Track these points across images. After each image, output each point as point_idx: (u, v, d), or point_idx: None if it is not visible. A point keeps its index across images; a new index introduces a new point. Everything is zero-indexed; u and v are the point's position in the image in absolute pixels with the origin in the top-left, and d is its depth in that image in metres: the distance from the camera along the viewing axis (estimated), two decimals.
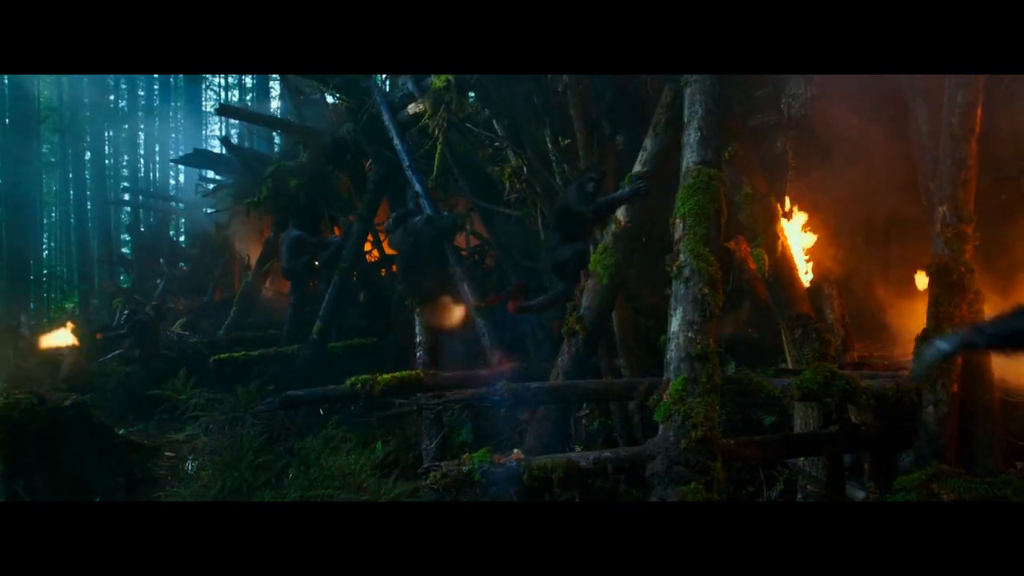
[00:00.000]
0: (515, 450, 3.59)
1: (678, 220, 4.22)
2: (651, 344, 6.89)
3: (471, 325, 7.32)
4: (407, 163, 7.94)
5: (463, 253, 8.59)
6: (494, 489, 3.55)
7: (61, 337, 12.70)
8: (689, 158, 4.43)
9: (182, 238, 19.73)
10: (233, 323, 11.89)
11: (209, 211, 14.40)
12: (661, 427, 3.71)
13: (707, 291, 3.90)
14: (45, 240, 31.54)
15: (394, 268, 10.36)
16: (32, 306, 19.53)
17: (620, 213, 5.60)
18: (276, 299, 13.26)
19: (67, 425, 8.39)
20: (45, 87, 25.97)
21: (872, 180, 6.25)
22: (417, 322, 7.69)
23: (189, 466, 9.21)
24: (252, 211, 10.48)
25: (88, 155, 27.99)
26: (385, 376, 5.77)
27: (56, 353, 12.95)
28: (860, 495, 4.84)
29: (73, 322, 12.95)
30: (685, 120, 4.64)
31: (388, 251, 11.12)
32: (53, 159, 28.42)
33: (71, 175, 27.96)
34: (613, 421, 6.71)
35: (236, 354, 9.23)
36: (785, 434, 4.85)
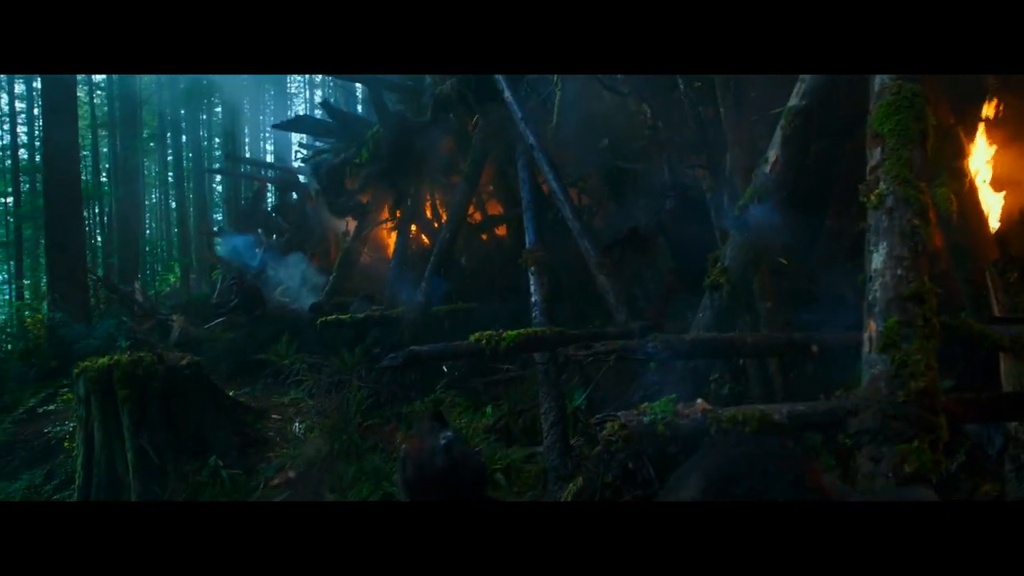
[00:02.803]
0: (699, 400, 3.17)
1: (874, 143, 3.64)
2: (791, 303, 6.33)
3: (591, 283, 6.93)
4: (519, 116, 7.54)
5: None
6: (674, 447, 3.16)
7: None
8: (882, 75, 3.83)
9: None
10: (333, 289, 11.91)
11: (305, 179, 14.54)
12: (866, 378, 3.20)
13: (917, 222, 3.34)
14: (147, 218, 33.16)
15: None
16: (139, 277, 20.48)
17: (773, 151, 5.05)
18: (374, 264, 13.24)
19: (184, 384, 8.53)
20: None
21: None
22: (532, 281, 7.34)
23: (297, 428, 9.28)
24: (353, 174, 10.35)
25: (184, 134, 29.06)
26: (511, 332, 5.47)
27: (166, 319, 13.42)
28: None
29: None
30: None
31: (492, 212, 10.86)
32: (152, 143, 29.70)
33: (170, 153, 29.13)
34: (749, 385, 6.17)
35: (342, 316, 9.15)
36: (1013, 392, 4.14)
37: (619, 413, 3.10)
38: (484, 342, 5.41)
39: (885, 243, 3.36)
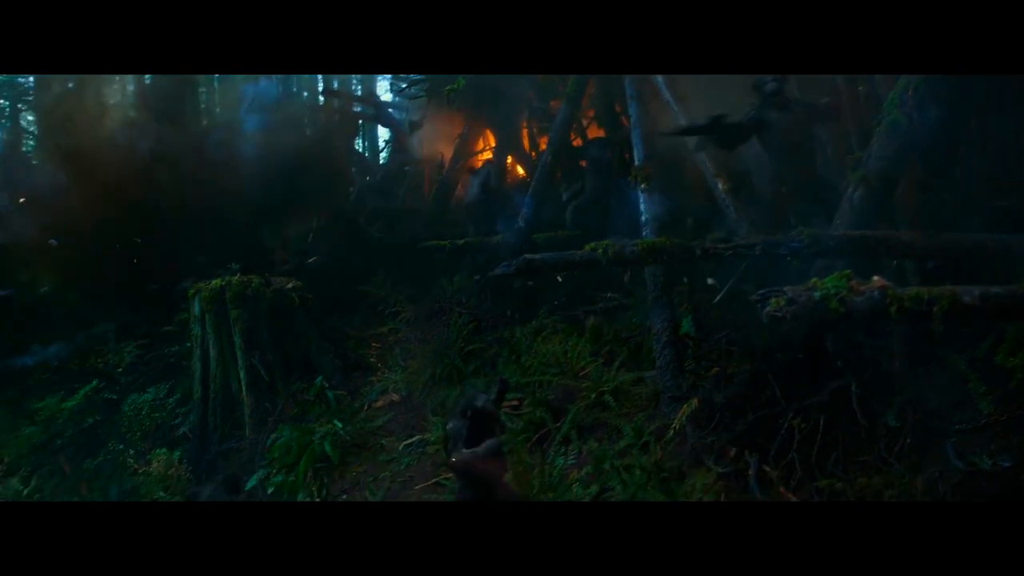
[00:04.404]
0: (875, 277, 2.77)
1: None
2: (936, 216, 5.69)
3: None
4: None
5: None
6: (845, 325, 2.78)
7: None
8: None
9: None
10: (430, 222, 11.84)
11: (397, 113, 14.45)
12: None
13: None
14: None
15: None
16: None
17: None
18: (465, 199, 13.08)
19: (291, 307, 8.70)
20: None
21: None
22: (642, 200, 6.92)
23: (398, 353, 9.33)
24: (452, 102, 10.05)
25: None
26: (638, 240, 5.15)
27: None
28: None
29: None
30: None
31: (592, 135, 10.40)
32: None
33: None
34: None
35: (442, 242, 9.05)
36: None
37: (785, 288, 2.74)
38: (600, 251, 5.10)
39: None
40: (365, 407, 8.30)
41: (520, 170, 11.98)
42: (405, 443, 7.35)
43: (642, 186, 6.95)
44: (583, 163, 10.20)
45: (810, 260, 4.22)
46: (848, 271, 2.76)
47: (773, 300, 2.70)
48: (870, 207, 4.91)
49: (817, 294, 2.67)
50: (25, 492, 7.73)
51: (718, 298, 4.59)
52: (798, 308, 2.66)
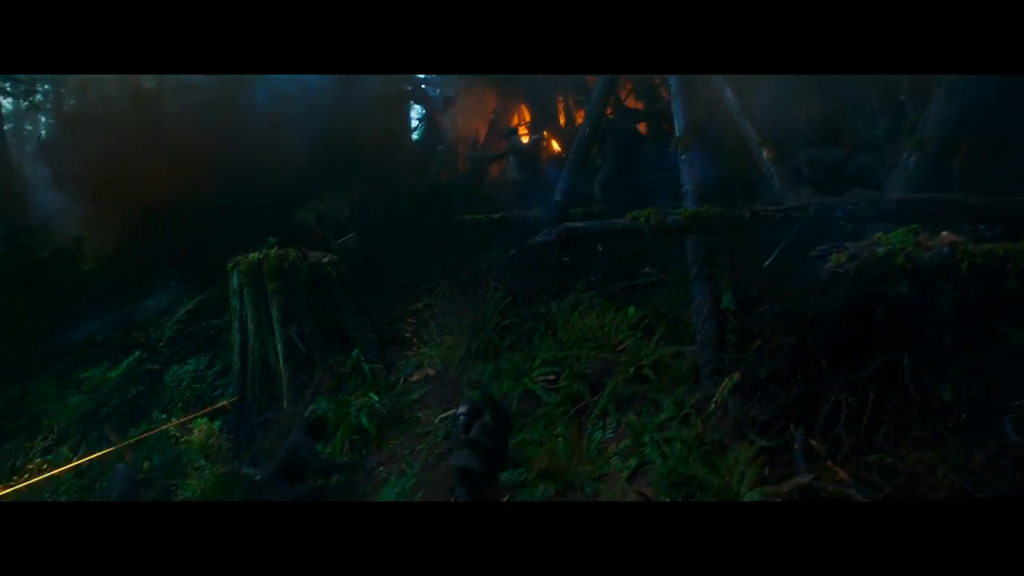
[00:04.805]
0: (944, 233, 2.63)
1: None
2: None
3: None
4: None
5: None
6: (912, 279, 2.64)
7: None
8: None
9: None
10: (465, 199, 11.75)
11: (430, 89, 14.33)
12: None
13: None
14: None
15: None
16: None
17: None
18: (502, 176, 12.95)
19: (327, 281, 8.73)
20: None
21: None
22: (682, 170, 6.76)
23: (433, 328, 9.32)
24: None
25: None
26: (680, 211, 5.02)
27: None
28: None
29: None
30: None
31: (632, 105, 10.19)
32: None
33: None
34: None
35: (477, 216, 8.98)
36: None
37: (846, 244, 2.61)
38: (643, 219, 4.99)
39: None
40: (401, 381, 8.31)
41: (555, 145, 11.81)
42: (441, 416, 7.35)
43: (683, 156, 6.80)
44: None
45: (864, 224, 4.05)
46: (915, 225, 2.62)
47: (834, 256, 2.58)
48: (926, 173, 4.69)
49: (881, 249, 2.54)
50: (74, 460, 7.95)
51: (768, 262, 4.43)
52: (861, 264, 2.53)
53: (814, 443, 4.79)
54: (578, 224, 5.10)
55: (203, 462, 6.88)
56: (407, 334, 9.53)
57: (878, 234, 2.66)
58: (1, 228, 12.25)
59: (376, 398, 7.59)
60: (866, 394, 4.90)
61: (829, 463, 4.62)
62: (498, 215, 8.86)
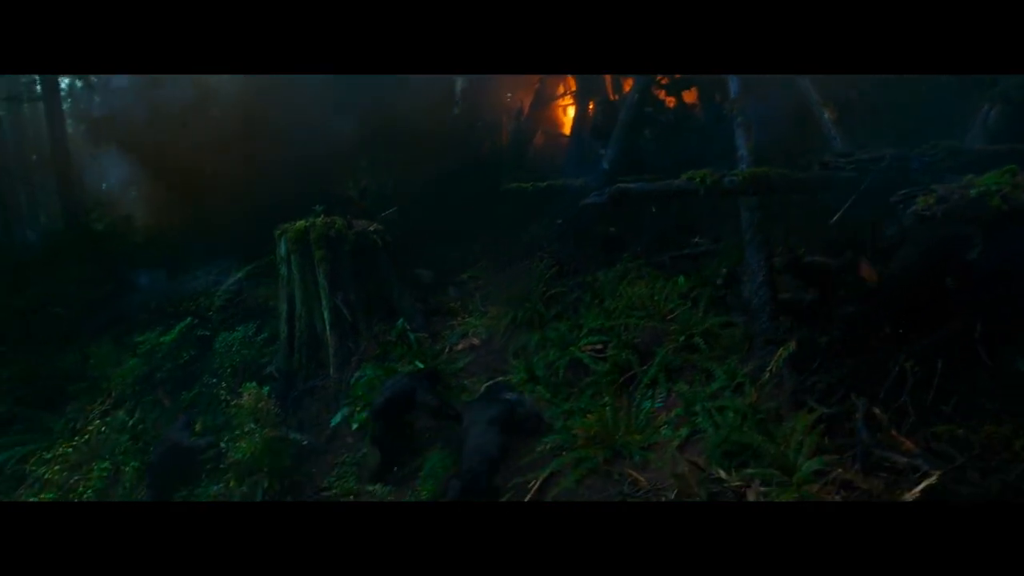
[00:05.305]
0: None
1: None
2: None
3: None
4: None
5: None
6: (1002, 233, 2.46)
7: None
8: None
9: None
10: (507, 171, 11.61)
11: None
12: None
13: None
14: None
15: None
16: None
17: None
18: (547, 147, 12.78)
19: (373, 249, 8.72)
20: None
21: None
22: (737, 134, 6.52)
23: (478, 299, 9.27)
24: None
25: None
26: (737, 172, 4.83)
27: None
28: None
29: None
30: None
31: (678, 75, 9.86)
32: None
33: None
34: None
35: (524, 184, 8.85)
36: None
37: (936, 187, 2.42)
38: (698, 180, 4.81)
39: None
40: (446, 350, 8.29)
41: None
42: (486, 384, 7.31)
43: (738, 119, 6.56)
44: (671, 101, 9.74)
45: (940, 176, 3.80)
46: (1013, 166, 2.41)
47: (920, 199, 2.39)
48: (1009, 127, 4.39)
49: (974, 191, 2.34)
50: (131, 423, 8.20)
51: (835, 219, 4.21)
52: (950, 206, 2.34)
53: (877, 412, 4.58)
54: (632, 184, 4.95)
55: (252, 425, 6.97)
56: (452, 304, 9.49)
57: (968, 176, 2.45)
58: (62, 204, 12.72)
59: (422, 366, 7.58)
60: (934, 363, 4.66)
61: (894, 432, 4.42)
62: (544, 184, 8.70)
